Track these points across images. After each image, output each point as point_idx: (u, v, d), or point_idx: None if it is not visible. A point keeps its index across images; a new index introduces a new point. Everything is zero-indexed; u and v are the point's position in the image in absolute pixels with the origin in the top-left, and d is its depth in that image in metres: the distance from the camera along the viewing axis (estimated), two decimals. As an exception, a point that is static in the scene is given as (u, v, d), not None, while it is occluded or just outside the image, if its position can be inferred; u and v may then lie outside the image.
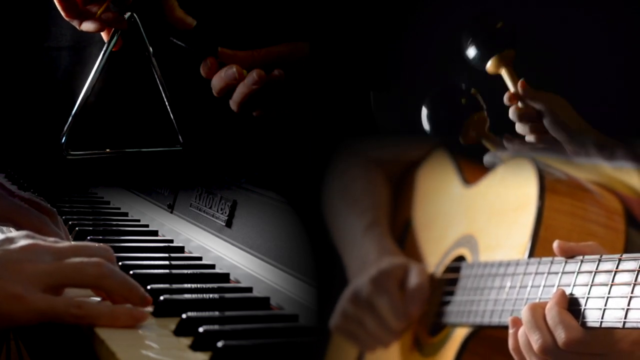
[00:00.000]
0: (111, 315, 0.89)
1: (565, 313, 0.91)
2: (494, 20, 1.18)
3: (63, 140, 1.18)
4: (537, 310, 0.93)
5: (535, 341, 0.92)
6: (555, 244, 0.97)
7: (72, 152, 1.20)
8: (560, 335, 0.90)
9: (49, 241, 0.94)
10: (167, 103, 1.22)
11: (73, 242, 0.96)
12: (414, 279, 1.19)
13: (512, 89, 1.16)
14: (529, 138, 1.14)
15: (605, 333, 0.91)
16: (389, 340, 1.21)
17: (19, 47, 1.87)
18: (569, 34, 1.12)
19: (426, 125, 1.22)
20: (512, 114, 1.15)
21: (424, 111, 1.22)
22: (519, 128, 1.15)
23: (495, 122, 1.19)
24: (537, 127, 1.13)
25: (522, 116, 1.14)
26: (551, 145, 1.13)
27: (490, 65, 1.17)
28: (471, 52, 1.19)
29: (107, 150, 1.24)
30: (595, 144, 1.09)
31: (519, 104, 1.15)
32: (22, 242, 0.91)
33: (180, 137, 1.23)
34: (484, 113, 1.20)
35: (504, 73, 1.17)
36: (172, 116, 1.22)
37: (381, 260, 1.22)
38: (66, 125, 1.18)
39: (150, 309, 0.95)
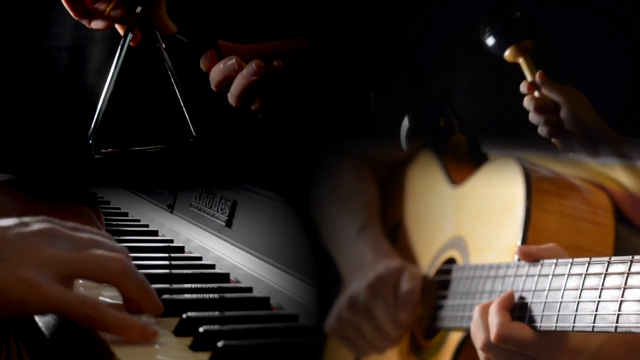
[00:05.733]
0: (124, 326, 0.84)
1: (502, 310, 0.97)
2: (513, 11, 1.18)
3: (91, 141, 1.17)
4: (484, 310, 0.99)
5: (478, 338, 0.99)
6: (517, 249, 1.01)
7: (102, 151, 1.18)
8: (492, 330, 0.96)
9: (68, 227, 0.88)
10: (179, 96, 1.21)
11: (92, 235, 0.89)
12: (405, 285, 1.19)
13: (529, 78, 1.15)
14: (542, 130, 1.13)
15: (546, 336, 0.95)
16: (386, 346, 1.22)
17: (19, 47, 1.87)
18: (569, 36, 1.11)
19: (404, 141, 1.24)
20: (527, 103, 1.13)
21: (404, 125, 1.25)
22: (533, 118, 1.13)
23: (500, 118, 1.20)
24: (552, 119, 1.12)
25: (538, 107, 1.12)
26: (545, 143, 1.13)
27: (508, 54, 1.16)
28: (490, 40, 1.18)
29: (132, 148, 1.23)
30: (608, 141, 1.08)
31: (536, 94, 1.13)
32: (38, 226, 0.85)
33: (192, 130, 1.22)
34: (461, 135, 1.22)
35: (522, 62, 1.16)
36: (184, 109, 1.21)
37: (378, 264, 1.22)
38: (92, 125, 1.17)
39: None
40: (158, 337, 0.86)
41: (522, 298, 1.00)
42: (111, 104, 1.18)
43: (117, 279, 0.87)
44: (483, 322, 0.99)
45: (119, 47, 1.17)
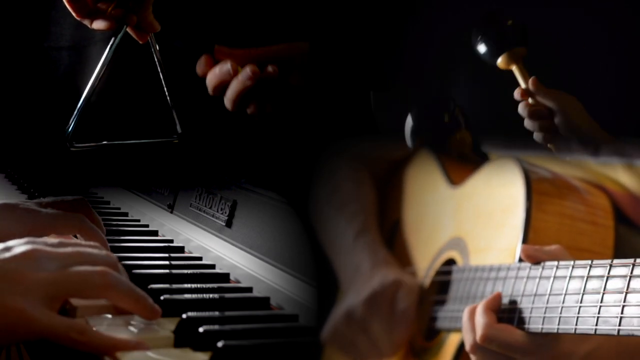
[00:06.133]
0: (114, 347, 0.84)
1: (487, 312, 0.99)
2: (505, 18, 1.18)
3: (67, 133, 1.17)
4: (472, 312, 1.01)
5: (467, 340, 1.00)
6: (521, 249, 1.02)
7: (76, 145, 1.18)
8: (478, 332, 0.98)
9: (52, 244, 0.89)
10: (167, 93, 1.21)
11: (77, 248, 0.90)
12: (400, 302, 1.19)
13: (523, 85, 1.15)
14: (537, 136, 1.14)
15: (533, 339, 0.96)
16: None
17: (19, 47, 1.87)
18: (569, 36, 1.11)
19: (408, 138, 1.25)
20: (521, 109, 1.14)
21: (408, 122, 1.25)
22: (528, 124, 1.14)
23: (500, 118, 1.20)
24: (546, 125, 1.13)
25: (533, 113, 1.13)
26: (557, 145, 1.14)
27: (501, 62, 1.17)
28: (482, 48, 1.18)
29: (110, 142, 1.23)
30: (604, 144, 1.09)
31: (530, 101, 1.14)
32: (21, 249, 0.85)
33: (178, 127, 1.22)
34: (466, 131, 1.22)
35: (515, 69, 1.17)
36: (171, 106, 1.21)
37: (374, 276, 1.22)
38: (71, 118, 1.17)
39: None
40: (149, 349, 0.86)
41: (513, 302, 1.00)
42: (101, 100, 1.18)
43: (104, 293, 0.87)
44: (470, 324, 1.00)
45: (109, 46, 1.18)
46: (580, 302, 0.91)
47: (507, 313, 1.00)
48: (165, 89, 1.21)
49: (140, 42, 1.20)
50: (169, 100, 1.21)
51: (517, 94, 1.15)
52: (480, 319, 0.99)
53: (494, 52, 1.18)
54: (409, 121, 1.25)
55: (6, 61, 1.87)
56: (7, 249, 0.86)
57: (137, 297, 0.89)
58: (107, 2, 1.19)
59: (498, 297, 1.01)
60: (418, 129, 1.25)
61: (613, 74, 1.13)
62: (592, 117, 1.11)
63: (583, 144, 1.10)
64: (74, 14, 1.20)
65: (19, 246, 0.86)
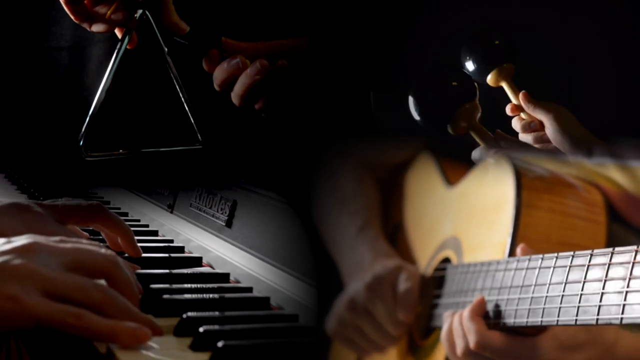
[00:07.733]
0: (112, 332, 0.83)
1: (476, 318, 1.00)
2: (492, 37, 1.20)
3: (81, 143, 1.17)
4: (461, 318, 1.02)
5: (458, 345, 1.01)
6: (519, 248, 1.02)
7: (91, 154, 1.18)
8: (471, 339, 0.99)
9: (53, 240, 0.89)
10: (184, 102, 1.20)
11: (78, 245, 0.89)
12: (403, 284, 1.19)
13: (514, 100, 1.18)
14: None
15: (525, 340, 0.97)
16: (387, 345, 1.22)
17: (19, 47, 1.87)
18: (570, 39, 1.12)
19: (415, 114, 1.19)
20: (515, 124, 1.17)
21: (411, 98, 1.19)
22: (523, 138, 1.17)
23: (500, 118, 1.20)
24: (541, 137, 1.15)
25: (525, 127, 1.16)
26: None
27: (490, 79, 1.19)
28: (470, 66, 1.20)
29: (125, 150, 1.23)
30: (596, 147, 1.10)
31: (522, 115, 1.17)
32: (22, 242, 0.86)
33: (199, 135, 1.22)
34: (475, 101, 1.18)
35: (504, 86, 1.19)
36: (190, 115, 1.21)
37: (376, 265, 1.22)
38: (84, 127, 1.17)
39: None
40: (150, 337, 0.85)
41: (497, 305, 1.01)
42: (111, 106, 1.18)
43: (100, 308, 0.86)
44: (461, 330, 1.01)
45: (116, 50, 1.17)
46: (563, 292, 0.91)
47: (493, 311, 1.01)
48: (182, 99, 1.20)
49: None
50: (186, 107, 1.20)
51: (508, 110, 1.17)
52: (470, 325, 1.00)
53: (482, 71, 1.19)
54: (411, 96, 1.19)
55: (6, 61, 1.87)
56: (9, 241, 0.86)
57: (133, 317, 0.87)
58: (106, 5, 1.18)
59: (482, 301, 1.02)
60: (422, 101, 1.18)
61: (614, 76, 1.13)
62: (593, 118, 1.12)
63: (575, 150, 1.11)
64: (72, 16, 1.20)
65: (19, 240, 0.87)
